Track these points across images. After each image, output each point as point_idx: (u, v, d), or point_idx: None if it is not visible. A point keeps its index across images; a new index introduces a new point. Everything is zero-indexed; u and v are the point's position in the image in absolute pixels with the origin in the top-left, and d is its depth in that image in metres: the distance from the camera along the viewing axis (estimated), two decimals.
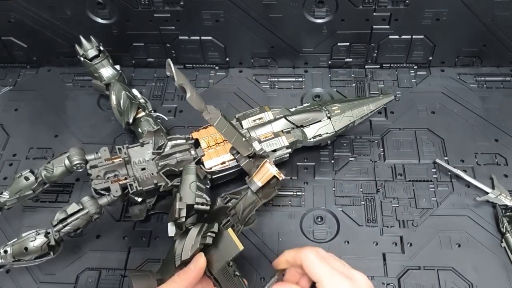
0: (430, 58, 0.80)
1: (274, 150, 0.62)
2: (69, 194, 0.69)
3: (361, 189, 0.67)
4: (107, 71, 0.72)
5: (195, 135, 0.63)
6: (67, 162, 0.57)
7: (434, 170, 0.68)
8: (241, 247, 0.49)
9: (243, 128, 0.63)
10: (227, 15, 0.74)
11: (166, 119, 0.75)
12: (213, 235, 0.50)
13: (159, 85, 0.82)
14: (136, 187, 0.55)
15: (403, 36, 0.76)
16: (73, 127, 0.77)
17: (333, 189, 0.68)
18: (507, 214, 0.62)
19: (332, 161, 0.70)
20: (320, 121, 0.65)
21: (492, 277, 0.59)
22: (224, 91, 0.80)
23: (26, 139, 0.76)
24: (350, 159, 0.71)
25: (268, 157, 0.59)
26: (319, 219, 0.65)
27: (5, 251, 0.52)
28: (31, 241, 0.52)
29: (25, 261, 0.53)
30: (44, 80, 0.84)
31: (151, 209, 0.64)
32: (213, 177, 0.62)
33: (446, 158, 0.70)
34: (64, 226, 0.53)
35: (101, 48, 0.73)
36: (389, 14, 0.73)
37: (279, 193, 0.63)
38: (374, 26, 0.75)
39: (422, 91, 0.78)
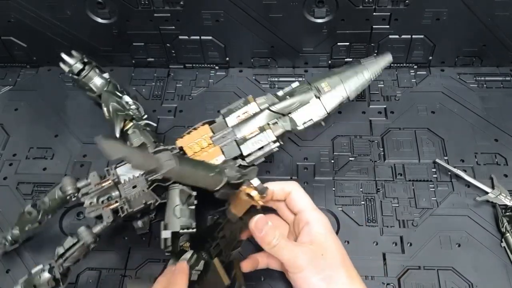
0: (430, 58, 0.80)
1: (262, 147, 0.59)
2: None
3: (361, 189, 0.67)
4: (95, 82, 0.70)
5: (179, 142, 0.60)
6: (59, 194, 0.57)
7: (434, 170, 0.68)
8: (226, 282, 0.49)
9: (228, 127, 0.60)
10: (227, 15, 0.74)
11: (155, 125, 0.72)
12: (198, 272, 0.51)
13: (159, 85, 0.82)
14: (126, 209, 0.54)
15: (403, 36, 0.76)
16: (73, 127, 0.77)
17: (333, 189, 0.68)
18: (507, 214, 0.62)
19: (332, 161, 0.70)
20: (309, 103, 0.60)
21: (492, 277, 0.59)
22: (224, 91, 0.80)
23: (26, 139, 0.76)
24: (350, 159, 0.71)
25: (245, 178, 0.53)
26: None
27: None
28: (37, 279, 0.53)
29: None
30: (44, 80, 0.84)
31: (153, 220, 0.63)
32: None
33: (446, 158, 0.70)
34: (64, 261, 0.53)
35: (86, 59, 0.70)
36: (389, 14, 0.73)
37: None
38: (374, 26, 0.75)
39: (422, 91, 0.78)
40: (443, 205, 0.65)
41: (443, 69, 0.81)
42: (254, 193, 0.50)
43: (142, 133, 0.65)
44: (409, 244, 0.62)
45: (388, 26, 0.75)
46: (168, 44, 0.80)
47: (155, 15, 0.75)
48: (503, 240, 0.61)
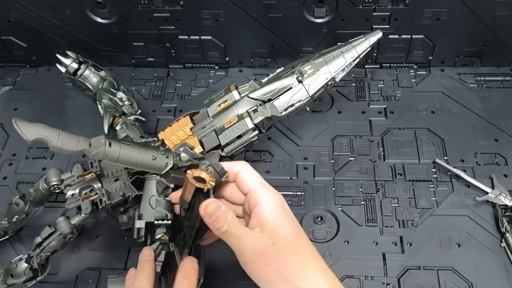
0: (430, 57, 0.79)
1: (240, 136, 0.57)
2: None
3: (361, 189, 0.67)
4: (91, 81, 0.71)
5: (161, 135, 0.60)
6: (43, 185, 0.58)
7: (434, 170, 0.68)
8: None
9: (209, 117, 0.59)
10: (227, 15, 0.74)
11: (144, 120, 0.72)
12: (161, 264, 0.51)
13: (158, 85, 0.82)
14: (105, 201, 0.54)
15: (403, 36, 0.76)
16: (73, 127, 0.77)
17: (333, 189, 0.68)
18: (507, 214, 0.62)
19: (332, 161, 0.70)
20: (291, 87, 0.57)
21: (492, 277, 0.59)
22: None
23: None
24: (350, 159, 0.71)
25: (198, 163, 0.50)
26: (319, 219, 0.65)
27: None
28: (14, 268, 0.54)
29: (16, 285, 0.55)
30: (43, 80, 0.84)
31: None
32: None
33: (446, 158, 0.70)
34: (42, 250, 0.54)
35: (81, 59, 0.72)
36: (389, 13, 0.73)
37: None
38: (374, 26, 0.74)
39: (422, 91, 0.78)
40: (443, 205, 0.65)
41: (443, 69, 0.81)
42: (204, 175, 0.47)
43: (130, 128, 0.66)
44: (409, 244, 0.62)
45: (388, 26, 0.75)
46: (168, 44, 0.80)
47: (155, 15, 0.75)
48: (503, 240, 0.61)
